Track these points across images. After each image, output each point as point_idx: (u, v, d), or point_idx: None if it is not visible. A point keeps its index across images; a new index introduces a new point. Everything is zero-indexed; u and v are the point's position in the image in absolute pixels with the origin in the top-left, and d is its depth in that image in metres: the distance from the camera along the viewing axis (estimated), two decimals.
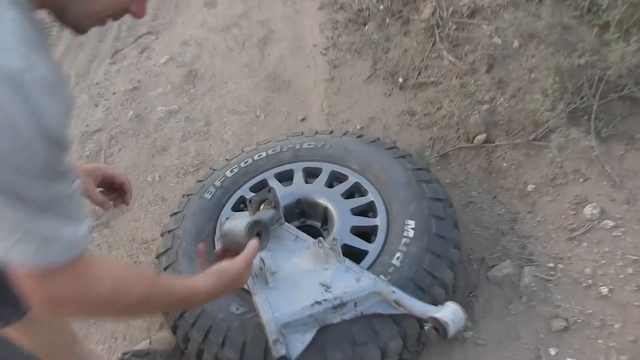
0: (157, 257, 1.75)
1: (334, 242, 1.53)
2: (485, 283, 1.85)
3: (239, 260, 1.18)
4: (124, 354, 1.75)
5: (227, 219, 1.34)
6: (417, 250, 1.60)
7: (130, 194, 1.40)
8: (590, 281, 1.77)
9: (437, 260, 1.59)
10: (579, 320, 1.71)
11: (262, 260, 1.48)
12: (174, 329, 1.60)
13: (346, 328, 1.44)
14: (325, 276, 1.49)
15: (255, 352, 1.44)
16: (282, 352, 1.31)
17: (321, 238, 1.53)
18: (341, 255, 1.53)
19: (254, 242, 1.24)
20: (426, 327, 1.39)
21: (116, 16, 0.90)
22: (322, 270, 1.51)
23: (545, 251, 1.88)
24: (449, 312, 1.38)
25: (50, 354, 1.43)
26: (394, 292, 1.44)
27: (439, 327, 1.36)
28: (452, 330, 1.36)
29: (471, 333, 1.72)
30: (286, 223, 1.64)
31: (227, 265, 1.17)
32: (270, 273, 1.50)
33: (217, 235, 1.76)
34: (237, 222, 1.32)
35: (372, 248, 1.65)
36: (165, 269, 1.67)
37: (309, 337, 1.39)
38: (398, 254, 1.59)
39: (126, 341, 1.90)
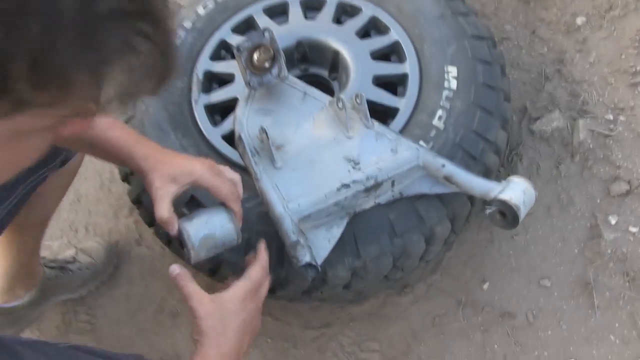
0: None
1: (358, 100, 1.13)
2: (529, 139, 1.52)
3: (245, 284, 0.89)
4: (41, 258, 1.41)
5: (181, 221, 0.88)
6: (464, 107, 1.21)
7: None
8: None
9: (489, 119, 1.22)
10: None
11: (262, 130, 1.07)
12: (149, 223, 1.24)
13: (382, 215, 1.10)
14: (350, 148, 1.11)
15: None
16: (306, 258, 0.97)
17: (341, 96, 1.12)
18: (369, 117, 1.13)
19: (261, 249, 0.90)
20: (488, 211, 1.06)
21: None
22: (345, 140, 1.12)
23: (603, 100, 1.53)
24: (519, 192, 1.04)
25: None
26: (443, 165, 1.08)
27: (508, 211, 1.03)
28: (523, 215, 1.04)
29: None
30: (291, 77, 1.21)
31: (228, 310, 0.84)
32: (276, 147, 1.11)
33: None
34: (208, 217, 0.87)
35: (403, 105, 1.25)
36: None
37: (336, 232, 1.04)
38: (439, 112, 1.21)
39: (89, 232, 1.54)
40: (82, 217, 1.55)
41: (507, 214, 1.03)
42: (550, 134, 1.49)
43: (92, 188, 1.58)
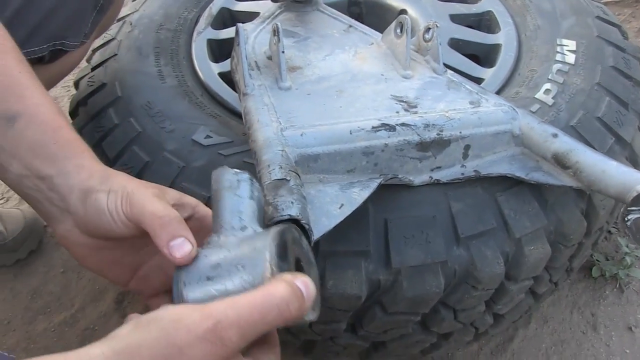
0: (93, 52, 0.95)
1: (428, 35, 0.74)
2: None
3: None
4: None
5: None
6: (585, 85, 0.79)
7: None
8: None
9: (621, 110, 0.79)
10: None
11: (275, 29, 0.68)
12: None
13: (439, 200, 0.65)
14: (404, 87, 0.70)
15: None
16: (290, 209, 0.51)
17: (405, 17, 0.73)
18: (441, 58, 0.73)
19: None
20: (633, 217, 0.60)
21: None
22: (398, 78, 0.71)
23: None
24: None
25: None
26: (555, 135, 0.64)
27: None
28: None
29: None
30: (327, 7, 0.84)
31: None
32: (290, 67, 0.71)
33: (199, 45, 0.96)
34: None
35: (490, 75, 0.85)
36: (97, 66, 0.89)
37: (358, 196, 0.60)
38: (547, 85, 0.79)
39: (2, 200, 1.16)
40: None
41: None
42: None
43: None
